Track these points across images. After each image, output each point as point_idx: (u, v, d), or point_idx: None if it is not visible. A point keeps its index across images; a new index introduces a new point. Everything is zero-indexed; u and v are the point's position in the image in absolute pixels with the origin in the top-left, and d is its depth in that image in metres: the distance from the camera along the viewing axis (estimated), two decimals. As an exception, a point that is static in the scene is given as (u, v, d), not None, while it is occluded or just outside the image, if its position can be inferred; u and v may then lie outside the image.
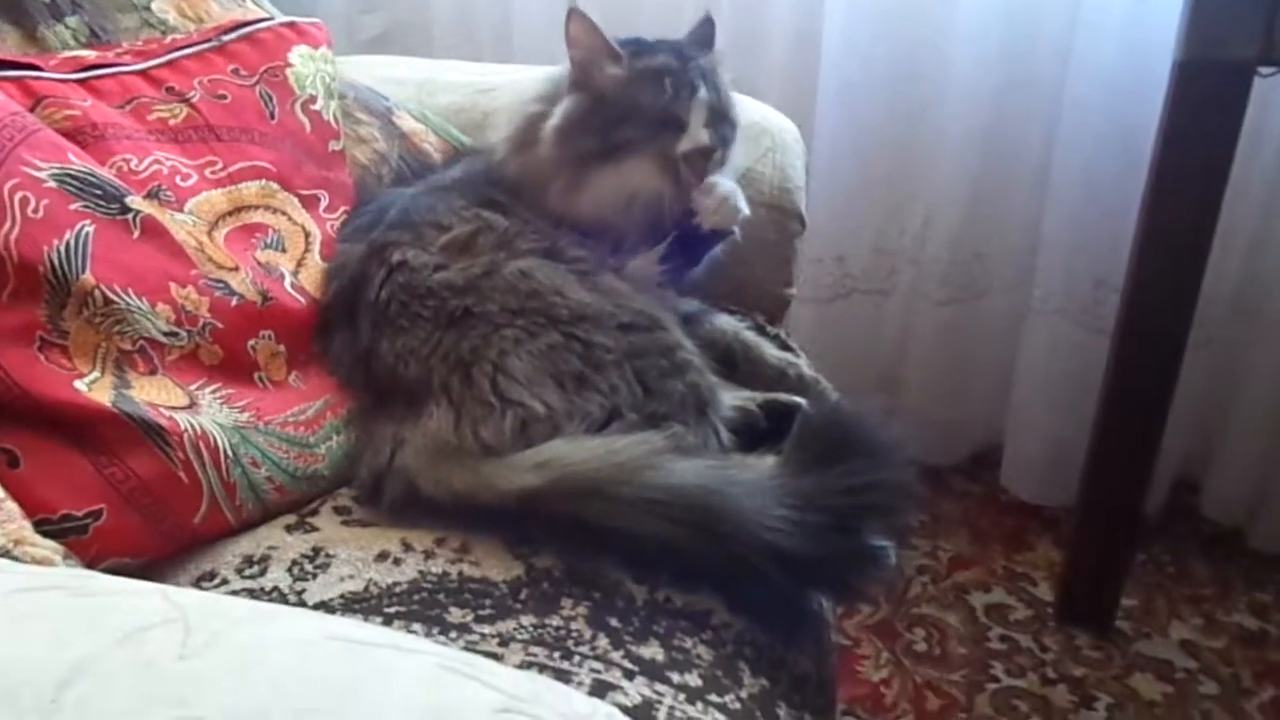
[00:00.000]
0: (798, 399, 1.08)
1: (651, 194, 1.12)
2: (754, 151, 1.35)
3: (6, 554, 0.71)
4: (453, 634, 0.79)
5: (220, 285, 0.96)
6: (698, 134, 1.11)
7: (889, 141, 1.90)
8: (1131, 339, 1.54)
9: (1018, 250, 1.92)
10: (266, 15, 1.25)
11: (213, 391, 0.93)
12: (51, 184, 0.86)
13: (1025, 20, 1.77)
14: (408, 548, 0.88)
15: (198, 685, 0.42)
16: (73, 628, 0.45)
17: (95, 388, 0.83)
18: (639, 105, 1.11)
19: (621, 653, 0.79)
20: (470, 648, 0.77)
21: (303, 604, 0.82)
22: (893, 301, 2.03)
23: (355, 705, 0.43)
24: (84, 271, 0.84)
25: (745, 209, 1.15)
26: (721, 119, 1.15)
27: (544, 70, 1.23)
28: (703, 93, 1.12)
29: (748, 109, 1.39)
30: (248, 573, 0.86)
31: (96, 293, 0.85)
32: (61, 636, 0.44)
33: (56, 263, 0.83)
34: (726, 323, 1.21)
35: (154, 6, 1.22)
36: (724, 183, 1.14)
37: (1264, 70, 1.36)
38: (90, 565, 0.79)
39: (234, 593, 0.83)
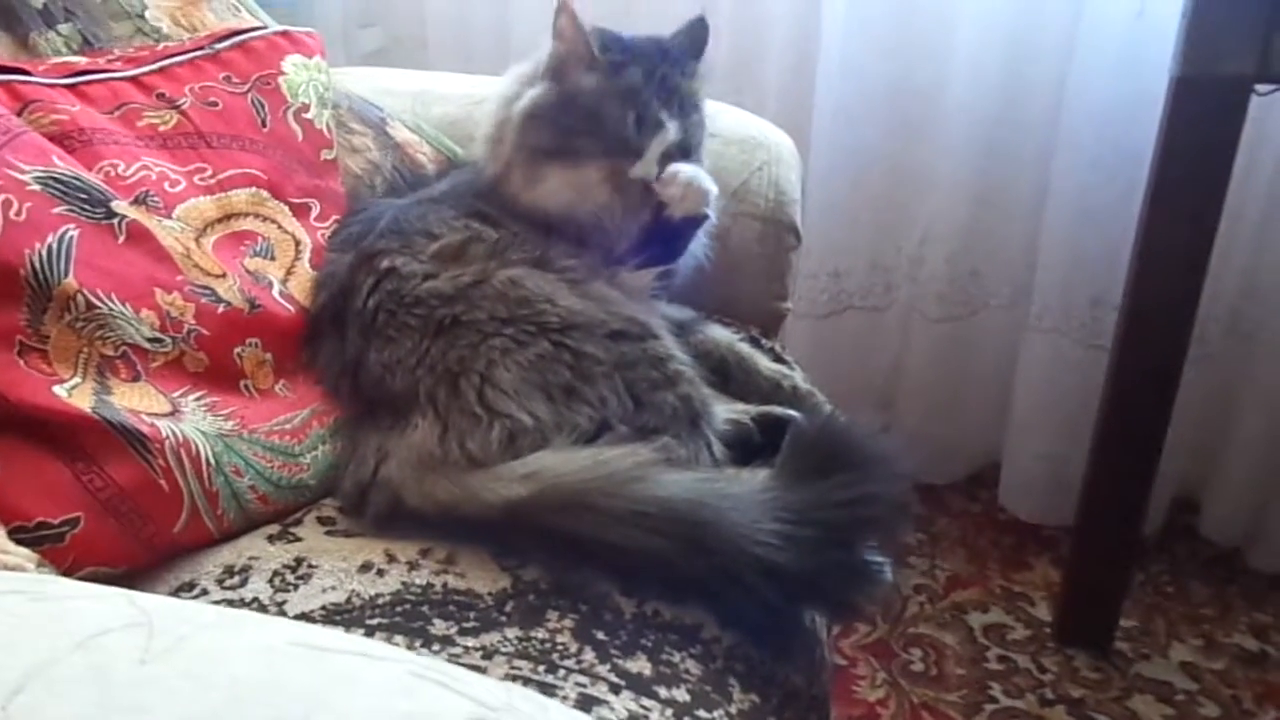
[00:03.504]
0: (792, 412, 1.07)
1: (599, 204, 1.11)
2: (749, 165, 1.34)
3: (-22, 561, 0.69)
4: (435, 646, 0.77)
5: (207, 292, 0.95)
6: (650, 166, 1.10)
7: (886, 158, 1.90)
8: (1130, 356, 1.52)
9: (1015, 267, 1.92)
10: (260, 24, 1.25)
11: (196, 399, 0.91)
12: (35, 187, 0.84)
13: (1023, 38, 1.77)
14: (391, 559, 0.86)
15: (156, 692, 0.41)
16: (28, 632, 0.44)
17: (75, 393, 0.82)
18: (602, 122, 1.10)
19: (608, 666, 0.77)
20: (453, 661, 0.75)
21: (283, 615, 0.80)
22: (889, 318, 2.02)
23: (321, 713, 0.41)
24: (66, 276, 0.83)
25: (713, 188, 1.13)
26: (685, 149, 1.13)
27: (522, 65, 1.19)
28: (668, 130, 1.10)
29: (744, 123, 1.38)
30: (228, 583, 0.84)
31: (79, 297, 0.84)
32: (15, 641, 0.43)
33: (38, 266, 0.82)
34: (720, 334, 1.20)
35: (148, 15, 1.21)
36: (685, 167, 1.11)
37: (1261, 89, 1.36)
38: (66, 574, 0.78)
39: (214, 604, 0.82)
